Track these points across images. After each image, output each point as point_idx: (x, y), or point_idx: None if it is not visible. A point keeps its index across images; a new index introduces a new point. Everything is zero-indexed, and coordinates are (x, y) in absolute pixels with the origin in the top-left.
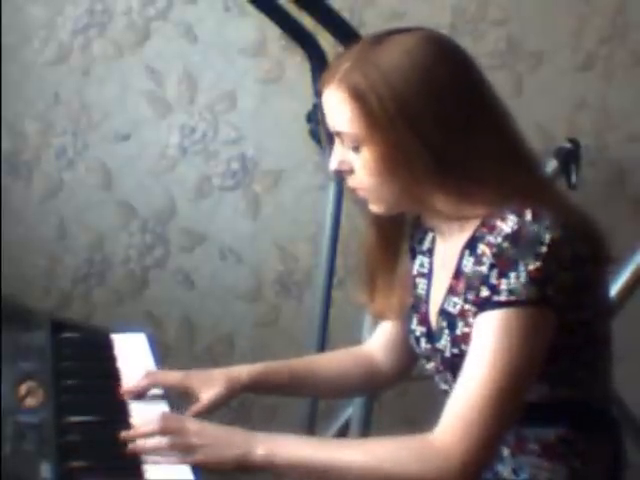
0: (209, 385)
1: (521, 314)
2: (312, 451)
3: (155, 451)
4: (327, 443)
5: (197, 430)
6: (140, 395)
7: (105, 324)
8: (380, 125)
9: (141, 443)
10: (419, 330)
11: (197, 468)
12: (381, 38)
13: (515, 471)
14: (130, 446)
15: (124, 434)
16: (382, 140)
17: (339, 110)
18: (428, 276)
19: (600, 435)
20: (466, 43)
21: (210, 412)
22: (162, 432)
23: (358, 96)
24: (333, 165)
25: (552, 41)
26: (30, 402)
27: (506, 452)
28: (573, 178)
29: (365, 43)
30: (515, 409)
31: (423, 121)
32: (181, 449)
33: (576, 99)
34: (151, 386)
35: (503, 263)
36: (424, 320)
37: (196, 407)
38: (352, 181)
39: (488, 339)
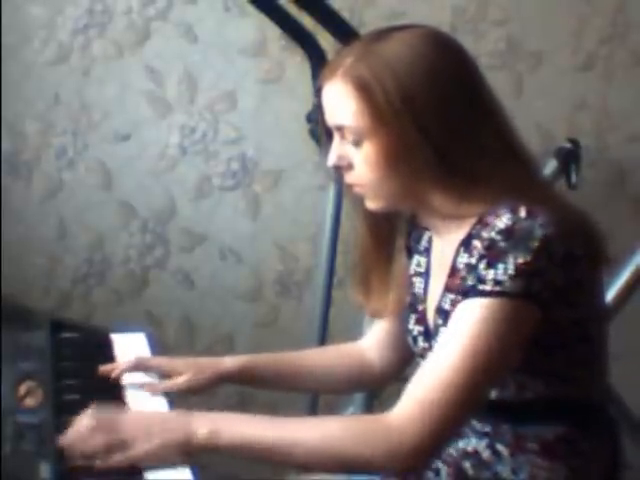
0: (192, 370)
1: (503, 305)
2: (258, 428)
3: (93, 454)
4: (274, 420)
5: (130, 423)
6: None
7: (105, 324)
8: (385, 118)
9: (78, 449)
10: (416, 329)
11: (196, 469)
12: (383, 34)
13: (514, 471)
14: (64, 444)
15: (62, 440)
16: (386, 133)
17: (343, 103)
18: (425, 275)
19: (598, 433)
20: (466, 43)
21: (185, 393)
22: (96, 432)
23: (363, 88)
24: (332, 160)
25: (552, 41)
26: (30, 402)
27: (505, 452)
28: (573, 178)
29: (367, 38)
30: (477, 400)
31: (426, 115)
32: (117, 447)
33: (576, 99)
34: (132, 368)
35: (493, 255)
36: (422, 319)
37: (169, 383)
38: (350, 177)
39: (465, 325)
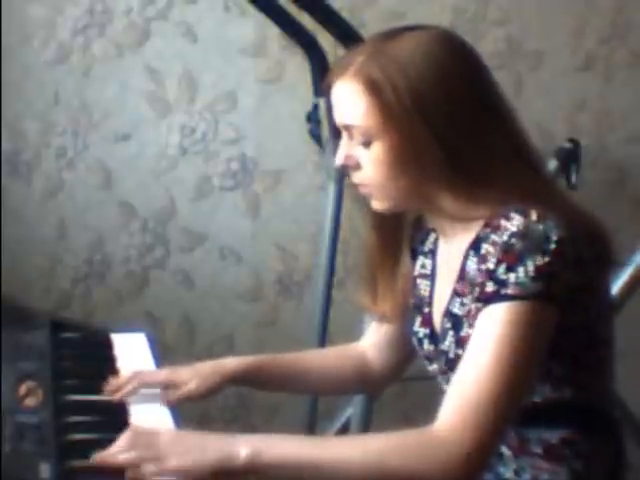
0: (196, 376)
1: (527, 308)
2: (305, 448)
3: (124, 465)
4: (321, 440)
5: (170, 439)
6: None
7: (105, 324)
8: (395, 118)
9: (112, 459)
10: (422, 331)
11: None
12: (395, 34)
13: (517, 472)
14: (99, 460)
15: (97, 457)
16: (395, 133)
17: (353, 102)
18: (431, 277)
19: (602, 436)
20: None
21: (193, 401)
22: (131, 447)
23: (374, 88)
24: (340, 160)
25: (552, 41)
26: (30, 402)
27: (508, 453)
28: (573, 178)
29: (379, 38)
30: (516, 403)
31: (437, 116)
32: (150, 460)
33: (576, 99)
34: (137, 389)
35: (511, 258)
36: (427, 321)
37: (176, 394)
38: (357, 177)
39: (492, 331)
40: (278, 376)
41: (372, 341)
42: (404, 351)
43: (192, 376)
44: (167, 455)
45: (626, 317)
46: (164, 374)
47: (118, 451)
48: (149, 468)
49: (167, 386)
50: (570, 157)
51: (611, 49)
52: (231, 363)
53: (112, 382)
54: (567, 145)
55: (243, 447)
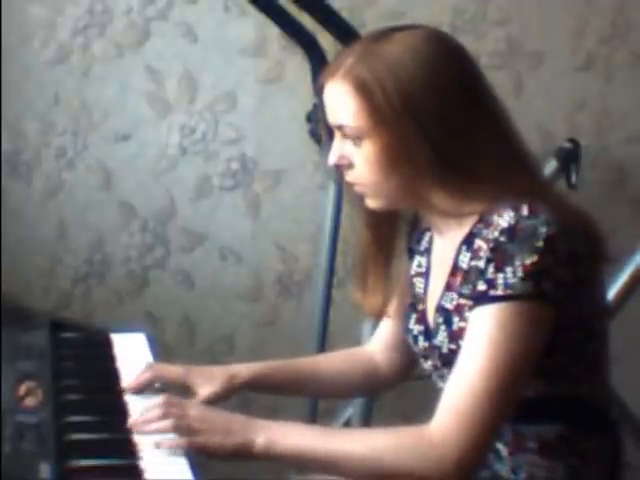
0: (208, 381)
1: (517, 308)
2: (313, 440)
3: (158, 432)
4: (328, 433)
5: (198, 415)
6: (141, 390)
7: (105, 324)
8: (384, 118)
9: (144, 425)
10: (417, 329)
11: (196, 469)
12: (385, 34)
13: (514, 470)
14: (132, 426)
15: (131, 421)
16: (385, 133)
17: (343, 103)
18: (425, 275)
19: (598, 433)
20: (466, 43)
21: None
22: (165, 416)
23: (363, 89)
24: (332, 159)
25: (552, 41)
26: (30, 402)
27: (505, 451)
28: (573, 178)
29: (369, 39)
30: (510, 404)
31: (426, 116)
32: (183, 431)
33: (576, 99)
34: (153, 381)
35: (499, 257)
36: (422, 318)
37: (202, 399)
38: (351, 176)
39: (484, 333)
40: (287, 382)
41: (379, 344)
42: (411, 353)
43: (204, 382)
44: (197, 431)
45: (626, 317)
46: (179, 373)
47: (151, 418)
48: (181, 440)
49: (180, 387)
50: (570, 157)
51: (611, 49)
52: (242, 372)
53: (128, 382)
54: (567, 145)
55: (260, 436)
